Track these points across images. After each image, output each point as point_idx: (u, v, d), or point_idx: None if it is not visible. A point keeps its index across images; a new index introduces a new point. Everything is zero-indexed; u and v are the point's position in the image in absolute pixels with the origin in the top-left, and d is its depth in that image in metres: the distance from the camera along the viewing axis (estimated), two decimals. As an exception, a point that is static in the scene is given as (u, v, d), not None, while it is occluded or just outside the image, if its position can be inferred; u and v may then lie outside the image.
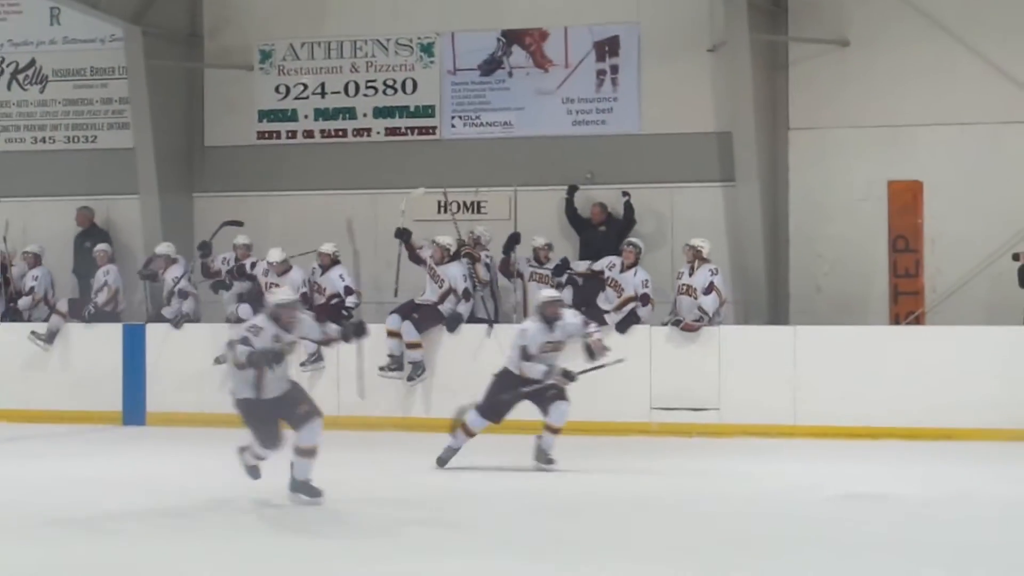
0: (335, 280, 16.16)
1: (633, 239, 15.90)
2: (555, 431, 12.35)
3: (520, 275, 16.20)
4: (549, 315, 12.21)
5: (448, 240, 15.92)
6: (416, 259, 16.02)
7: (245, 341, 10.43)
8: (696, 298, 15.37)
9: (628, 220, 16.75)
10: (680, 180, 17.02)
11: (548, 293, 12.71)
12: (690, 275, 15.51)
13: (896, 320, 15.61)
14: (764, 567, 8.48)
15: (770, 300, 16.54)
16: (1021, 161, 16.11)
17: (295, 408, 10.62)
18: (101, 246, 17.41)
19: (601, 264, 15.83)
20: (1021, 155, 16.11)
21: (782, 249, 16.80)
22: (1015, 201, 16.01)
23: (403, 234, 16.05)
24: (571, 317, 12.42)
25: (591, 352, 12.13)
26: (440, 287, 15.81)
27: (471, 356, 15.41)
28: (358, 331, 11.19)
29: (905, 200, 15.79)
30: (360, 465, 12.77)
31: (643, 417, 15.25)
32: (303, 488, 10.67)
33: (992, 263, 15.89)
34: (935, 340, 14.97)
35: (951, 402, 14.42)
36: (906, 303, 15.66)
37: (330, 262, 16.25)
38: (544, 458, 12.36)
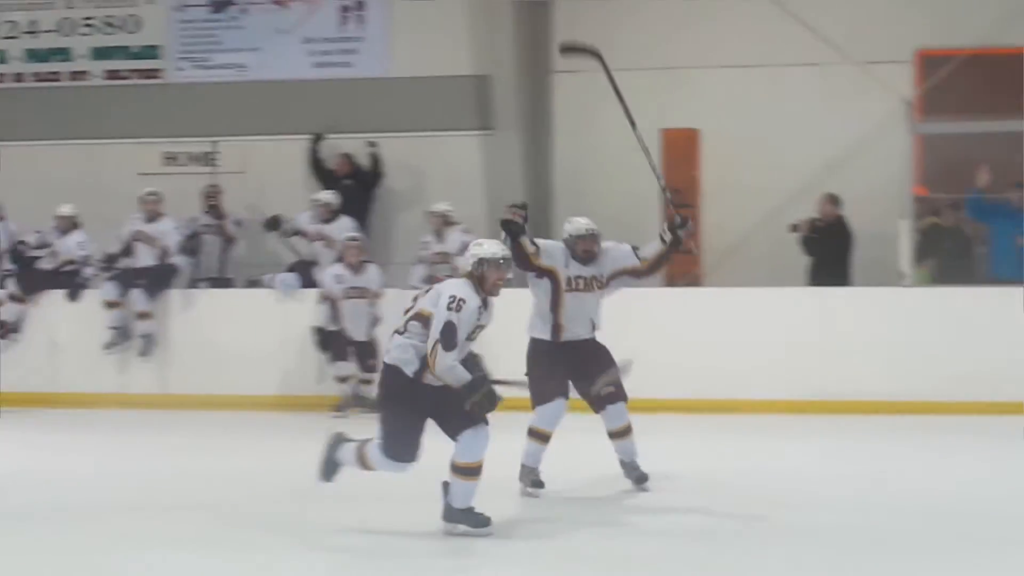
0: (72, 247, 15.28)
1: (320, 195, 15.02)
2: (619, 435, 9.84)
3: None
4: (582, 255, 9.82)
5: (158, 190, 15.04)
6: (124, 254, 14.98)
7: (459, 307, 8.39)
8: (453, 265, 14.09)
9: (375, 173, 15.96)
10: (434, 129, 16.19)
11: (581, 223, 9.92)
12: (439, 241, 14.57)
13: (671, 282, 15.00)
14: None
15: (532, 260, 15.36)
16: (807, 106, 15.58)
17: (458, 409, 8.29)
18: None
19: (301, 223, 14.93)
20: (806, 99, 15.60)
21: (546, 205, 15.93)
22: (801, 149, 15.46)
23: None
24: (615, 245, 9.99)
25: (674, 232, 9.78)
26: (154, 247, 14.94)
27: (204, 322, 14.76)
28: (484, 402, 8.45)
29: (681, 150, 15.44)
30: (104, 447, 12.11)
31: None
32: (464, 517, 8.26)
33: (775, 218, 15.17)
34: (713, 303, 14.37)
35: (731, 371, 13.75)
36: (682, 263, 14.81)
37: (69, 225, 15.30)
38: (634, 474, 9.85)
